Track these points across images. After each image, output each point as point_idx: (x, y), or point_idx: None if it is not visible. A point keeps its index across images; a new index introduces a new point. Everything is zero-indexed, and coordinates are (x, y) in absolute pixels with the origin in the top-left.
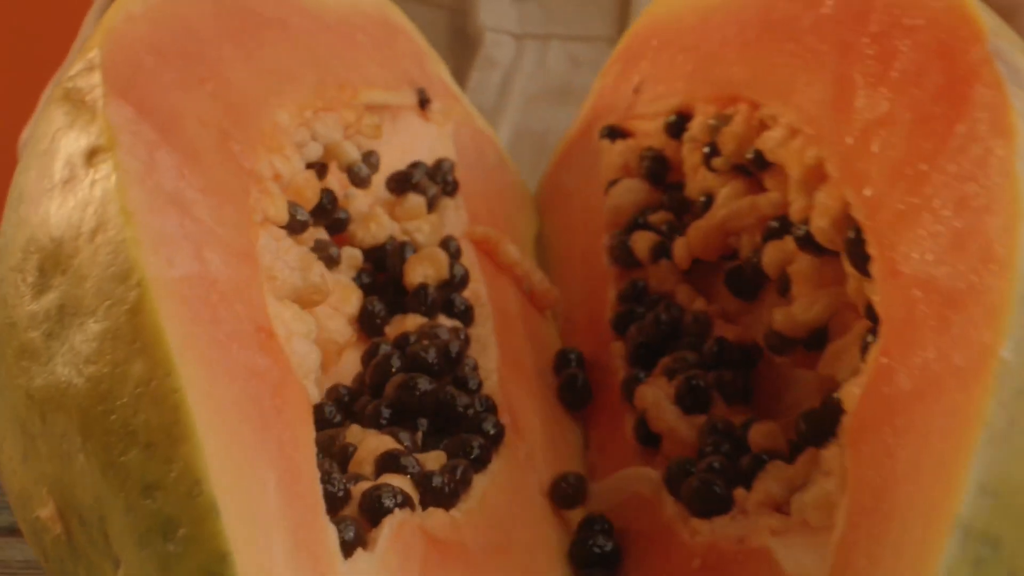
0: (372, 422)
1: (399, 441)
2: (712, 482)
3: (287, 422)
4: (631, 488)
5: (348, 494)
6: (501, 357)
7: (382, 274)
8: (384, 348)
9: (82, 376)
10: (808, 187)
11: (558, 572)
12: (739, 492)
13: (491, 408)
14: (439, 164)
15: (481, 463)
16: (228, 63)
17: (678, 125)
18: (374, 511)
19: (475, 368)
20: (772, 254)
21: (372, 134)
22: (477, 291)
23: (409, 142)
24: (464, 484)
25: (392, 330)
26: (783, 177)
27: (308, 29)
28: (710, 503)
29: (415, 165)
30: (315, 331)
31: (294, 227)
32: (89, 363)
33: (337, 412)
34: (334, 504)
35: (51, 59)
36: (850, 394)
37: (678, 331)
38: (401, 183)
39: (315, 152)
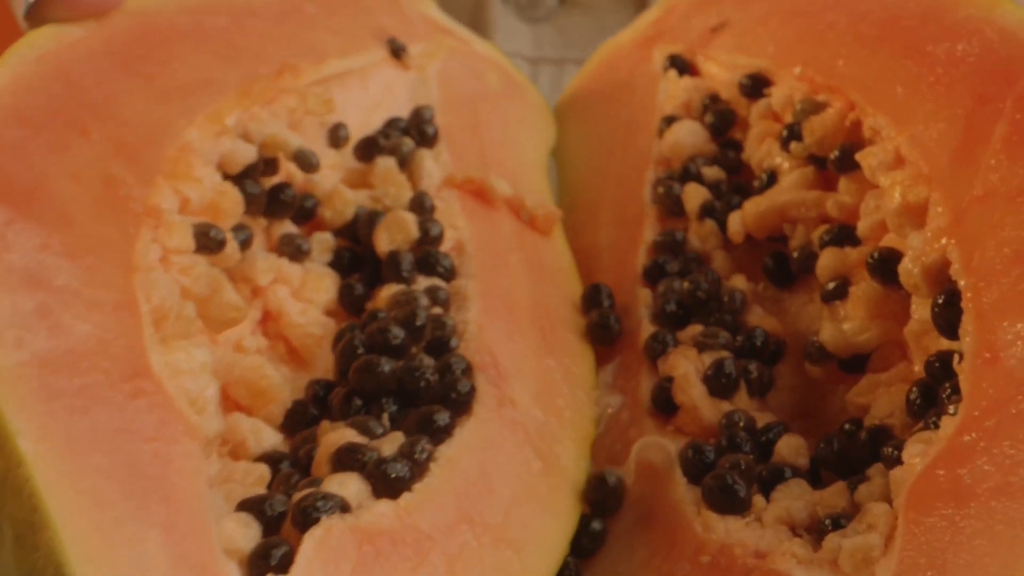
0: (343, 412)
1: (367, 429)
2: (736, 483)
3: (173, 471)
4: (642, 454)
5: (285, 513)
6: (483, 304)
7: (362, 247)
8: (347, 333)
9: None
10: (901, 220)
11: (547, 519)
12: (757, 499)
13: (465, 369)
14: (417, 114)
15: (445, 433)
16: (123, 98)
17: (755, 88)
18: (304, 525)
19: (452, 328)
20: (830, 260)
21: (324, 110)
22: (459, 239)
23: (384, 97)
24: (421, 464)
25: (372, 305)
26: (860, 186)
27: (231, 26)
28: (731, 504)
29: (391, 123)
30: (211, 362)
31: (209, 248)
32: None
33: (314, 408)
34: (272, 526)
35: None
36: (914, 457)
37: (711, 300)
38: (367, 149)
39: (248, 155)
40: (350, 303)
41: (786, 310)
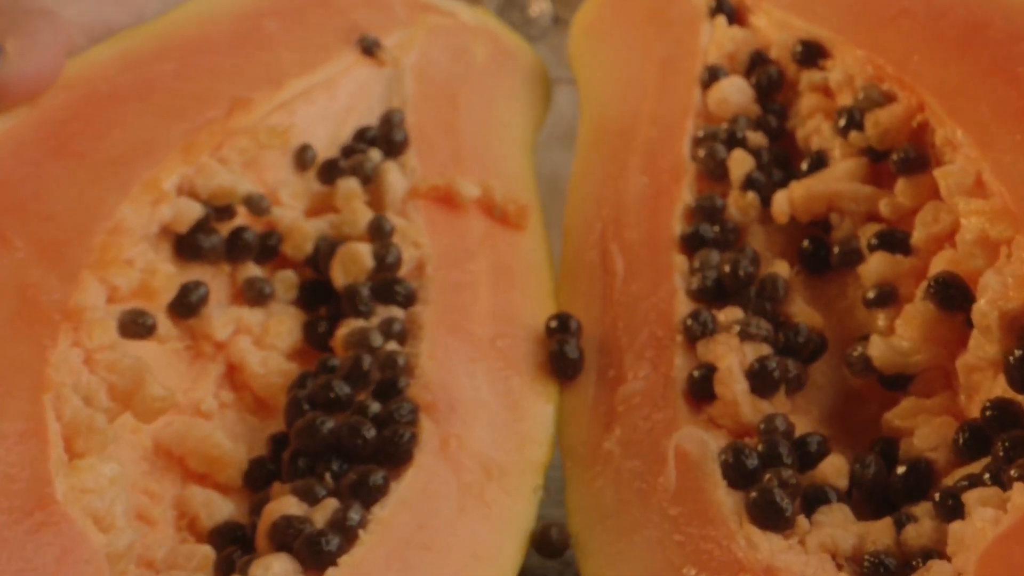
0: (290, 474)
1: (309, 493)
2: (783, 500)
3: None
4: (680, 444)
5: None
6: (440, 329)
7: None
8: (294, 389)
9: None
10: (974, 251)
11: (485, 569)
12: (800, 520)
13: (409, 413)
14: (386, 120)
15: (381, 493)
16: (52, 188)
17: (808, 56)
18: None
19: (404, 366)
20: (879, 266)
21: (279, 142)
22: (420, 258)
23: (356, 102)
24: (351, 533)
25: (335, 343)
26: (919, 191)
27: (179, 71)
28: (775, 523)
29: (360, 133)
30: (120, 471)
31: (139, 335)
32: None
33: (272, 464)
34: None
35: None
36: (984, 521)
37: (751, 282)
38: (329, 172)
39: (194, 212)
40: (315, 340)
41: (817, 299)
